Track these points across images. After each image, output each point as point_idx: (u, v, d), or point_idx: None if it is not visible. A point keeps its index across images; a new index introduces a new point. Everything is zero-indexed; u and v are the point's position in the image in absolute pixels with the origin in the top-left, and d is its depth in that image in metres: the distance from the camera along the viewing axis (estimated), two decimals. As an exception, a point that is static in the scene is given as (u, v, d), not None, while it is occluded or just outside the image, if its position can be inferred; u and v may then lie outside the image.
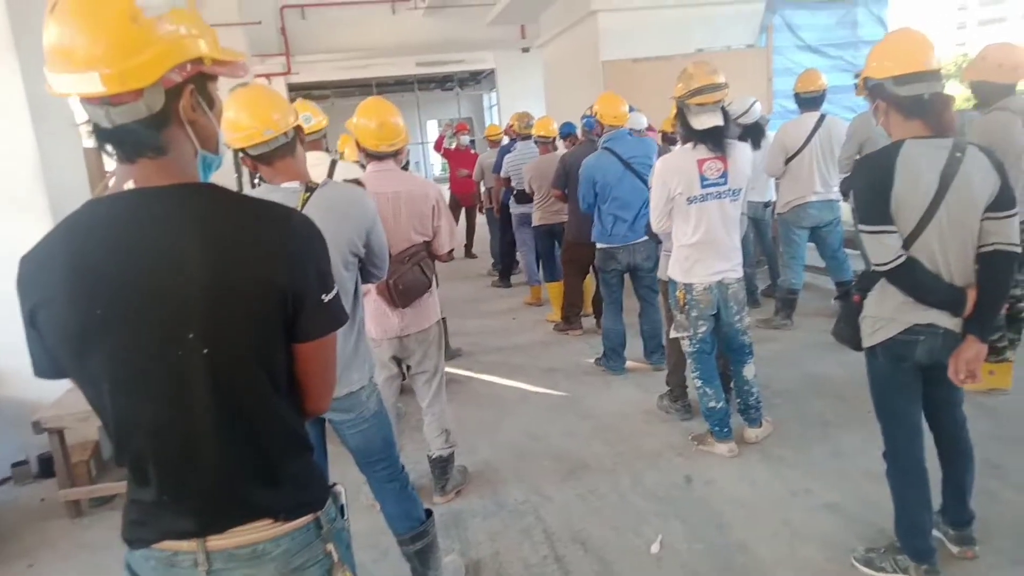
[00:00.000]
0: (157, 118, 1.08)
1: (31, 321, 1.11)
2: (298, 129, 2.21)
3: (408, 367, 3.22)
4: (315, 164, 2.89)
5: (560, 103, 9.64)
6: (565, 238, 5.58)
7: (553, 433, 3.94)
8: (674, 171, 3.26)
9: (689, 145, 3.28)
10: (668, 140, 6.12)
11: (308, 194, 2.13)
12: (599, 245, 4.65)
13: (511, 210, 6.79)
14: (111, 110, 1.05)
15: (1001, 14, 68.90)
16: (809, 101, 5.18)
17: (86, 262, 1.07)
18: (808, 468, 3.28)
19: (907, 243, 2.19)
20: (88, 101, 1.05)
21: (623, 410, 4.16)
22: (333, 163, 3.21)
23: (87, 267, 1.07)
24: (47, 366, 1.15)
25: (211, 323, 1.08)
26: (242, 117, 2.09)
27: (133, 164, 1.10)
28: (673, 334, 3.66)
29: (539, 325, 6.11)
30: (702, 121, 3.22)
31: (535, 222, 6.13)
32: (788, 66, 9.94)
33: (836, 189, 5.18)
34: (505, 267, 7.78)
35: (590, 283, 5.68)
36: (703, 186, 3.25)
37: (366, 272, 2.36)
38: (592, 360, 4.94)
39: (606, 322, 4.78)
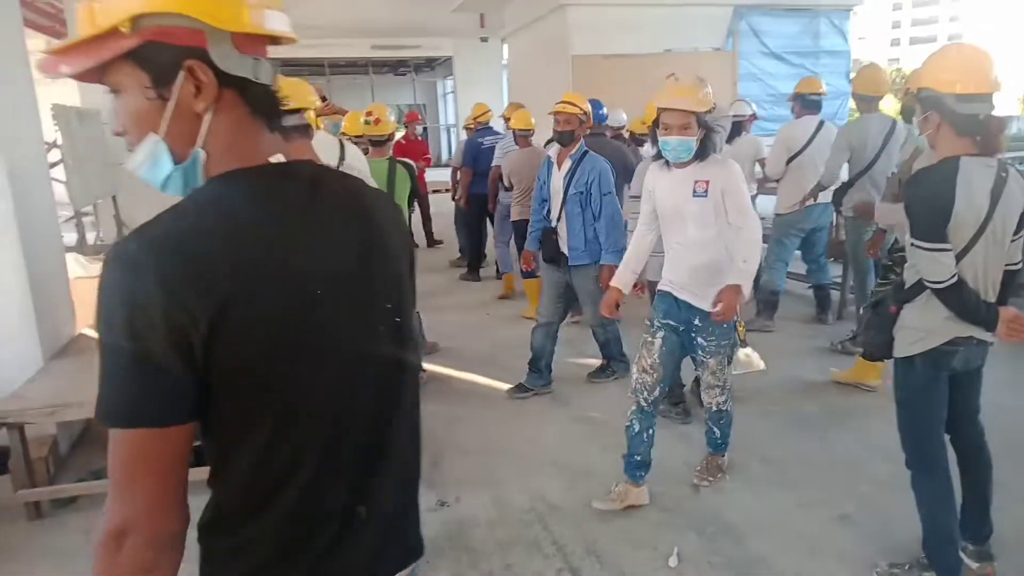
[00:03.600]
0: None
1: (213, 326, 0.80)
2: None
3: None
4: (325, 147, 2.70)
5: (526, 94, 9.48)
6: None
7: (548, 437, 3.84)
8: None
9: None
10: (637, 141, 6.08)
11: None
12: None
13: (500, 200, 6.64)
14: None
15: (932, 33, 73.22)
16: (813, 103, 5.16)
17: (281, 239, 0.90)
18: (813, 477, 3.27)
19: (956, 259, 2.18)
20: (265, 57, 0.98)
21: (614, 412, 4.06)
22: (341, 147, 3.00)
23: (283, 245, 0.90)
24: (191, 398, 0.82)
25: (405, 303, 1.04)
26: None
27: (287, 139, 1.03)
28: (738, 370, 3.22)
29: (516, 322, 5.96)
30: None
31: (513, 216, 5.98)
32: (752, 71, 10.13)
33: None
34: (474, 259, 7.61)
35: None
36: None
37: None
38: (586, 369, 4.75)
39: (606, 332, 4.58)
